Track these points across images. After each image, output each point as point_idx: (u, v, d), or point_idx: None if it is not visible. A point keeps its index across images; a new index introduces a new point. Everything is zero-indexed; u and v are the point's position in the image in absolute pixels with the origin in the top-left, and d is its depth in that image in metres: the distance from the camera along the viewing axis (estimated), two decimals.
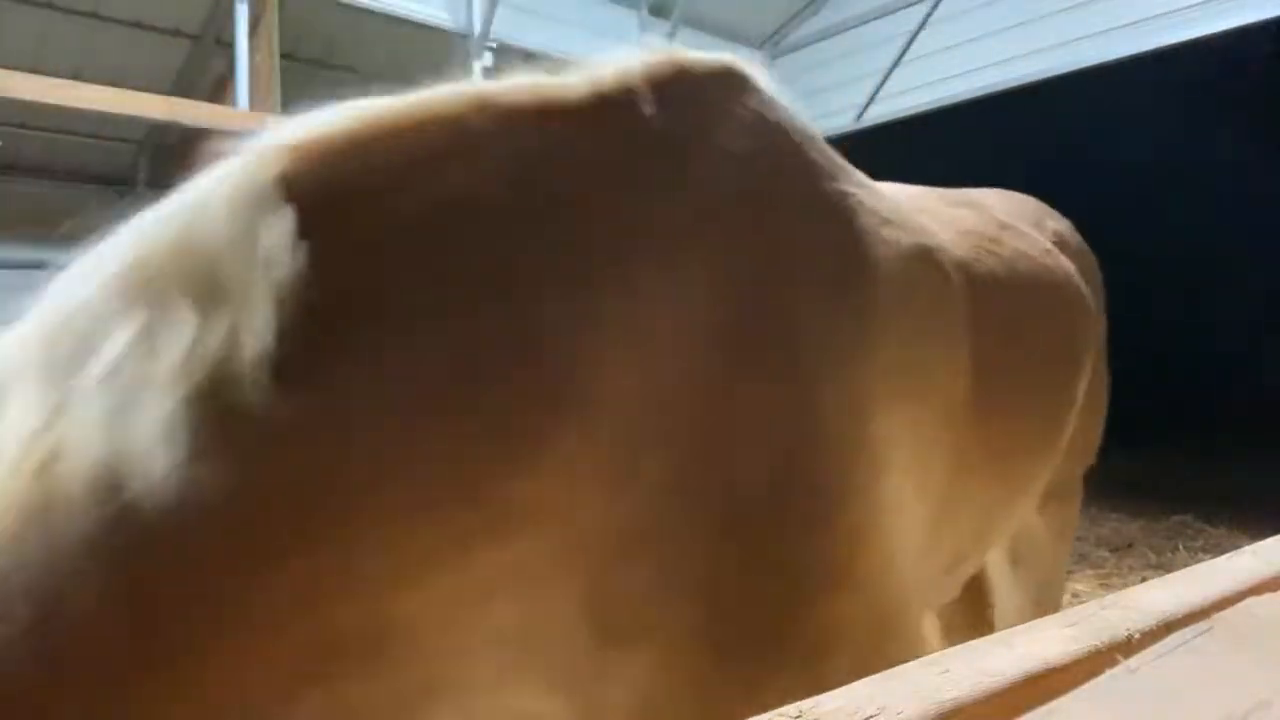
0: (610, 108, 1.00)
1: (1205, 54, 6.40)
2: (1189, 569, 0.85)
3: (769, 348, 1.02)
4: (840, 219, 1.19)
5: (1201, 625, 0.68)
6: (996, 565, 2.25)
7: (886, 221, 1.27)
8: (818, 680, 0.86)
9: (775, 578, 0.97)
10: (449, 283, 0.81)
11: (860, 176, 1.38)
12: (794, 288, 1.07)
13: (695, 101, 1.10)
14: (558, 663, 0.88)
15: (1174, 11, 6.56)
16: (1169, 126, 6.97)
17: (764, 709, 0.78)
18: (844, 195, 1.22)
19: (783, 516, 0.99)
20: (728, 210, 1.04)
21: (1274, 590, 0.78)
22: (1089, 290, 2.11)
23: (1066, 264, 2.00)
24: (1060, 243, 2.13)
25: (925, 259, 1.33)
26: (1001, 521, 1.81)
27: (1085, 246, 2.33)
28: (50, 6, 6.59)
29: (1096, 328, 2.17)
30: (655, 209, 0.97)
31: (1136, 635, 0.64)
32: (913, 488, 1.23)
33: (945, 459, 1.34)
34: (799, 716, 0.48)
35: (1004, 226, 1.80)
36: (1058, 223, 2.25)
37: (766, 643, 0.96)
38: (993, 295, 1.53)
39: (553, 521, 0.84)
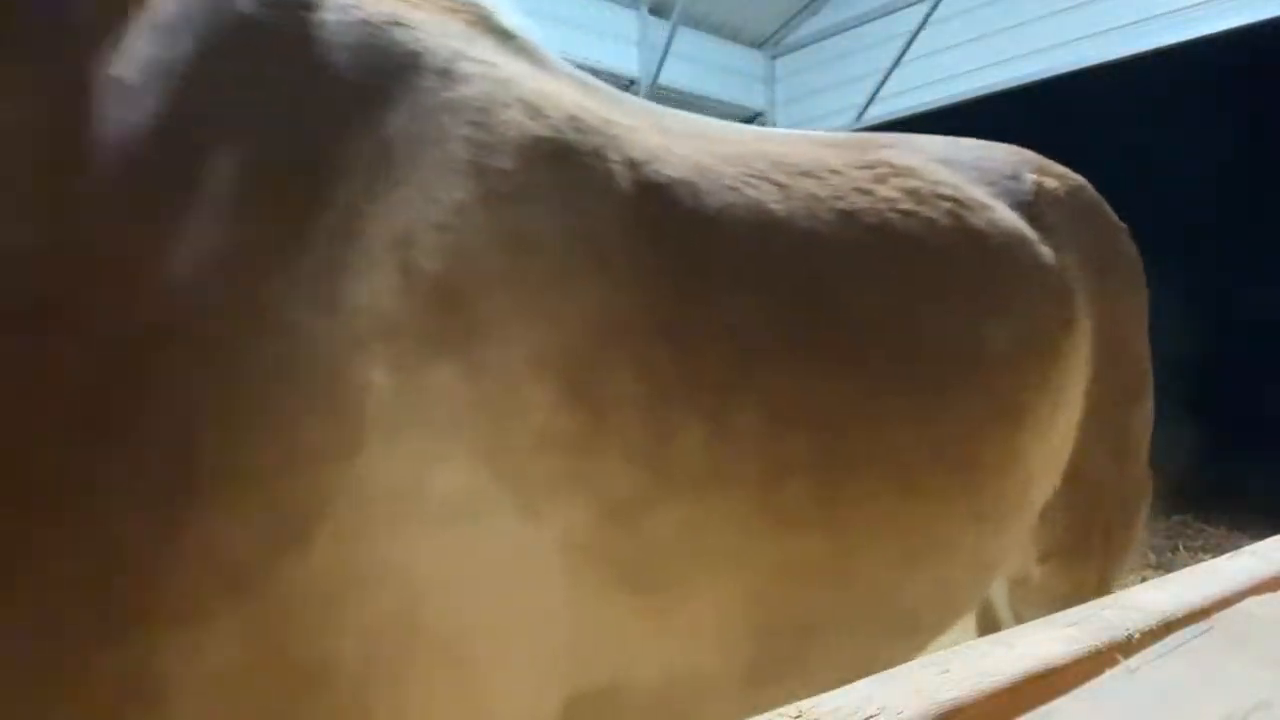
0: None
1: (1205, 54, 6.41)
2: (1189, 569, 0.85)
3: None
4: (388, 78, 0.86)
5: (1201, 625, 0.68)
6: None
7: (516, 104, 0.93)
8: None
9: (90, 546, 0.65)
10: None
11: (535, 66, 1.08)
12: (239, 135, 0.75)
13: None
14: None
15: (1174, 11, 6.57)
16: (1169, 126, 6.97)
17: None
18: (457, 57, 0.92)
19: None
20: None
21: (1274, 590, 0.78)
22: (1087, 266, 1.59)
23: (1006, 227, 1.46)
24: (1046, 199, 1.62)
25: (562, 156, 0.95)
26: (876, 592, 1.18)
27: (1098, 212, 1.81)
28: None
29: (1100, 319, 1.60)
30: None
31: (1136, 635, 0.64)
32: (499, 478, 0.81)
33: (622, 451, 0.89)
34: (799, 716, 0.49)
35: (872, 167, 1.35)
36: (1054, 179, 1.73)
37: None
38: (736, 234, 1.07)
39: None
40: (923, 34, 7.66)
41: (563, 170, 0.94)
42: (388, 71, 0.85)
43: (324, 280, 0.74)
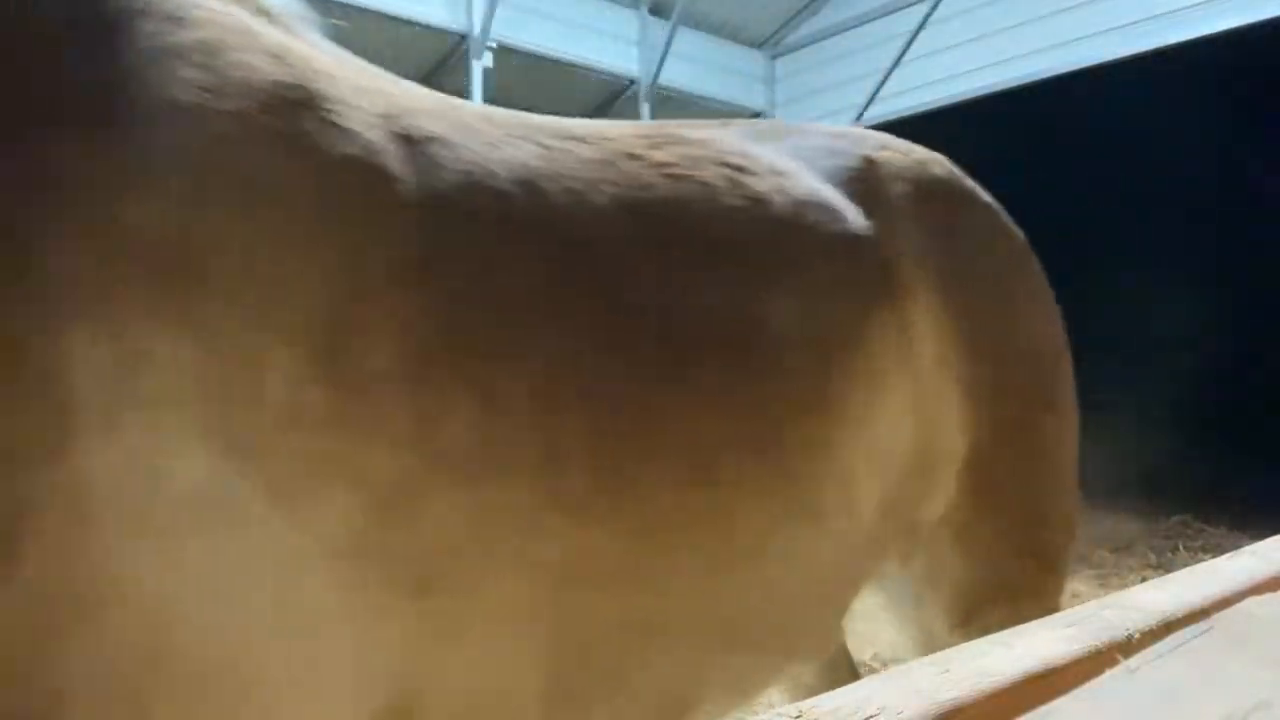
0: None
1: (1205, 54, 6.41)
2: (1189, 569, 0.85)
3: None
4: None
5: (1201, 625, 0.68)
6: None
7: (255, 50, 0.84)
8: None
9: None
10: None
11: (285, 29, 0.96)
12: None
13: None
14: None
15: (1174, 11, 6.57)
16: (1169, 127, 6.98)
17: None
18: (191, 5, 0.83)
19: None
20: None
21: (1274, 590, 0.78)
22: (932, 245, 1.41)
23: (800, 194, 1.30)
24: (878, 175, 1.44)
25: (303, 103, 0.84)
26: (693, 597, 1.05)
27: (953, 190, 1.56)
28: None
29: (958, 304, 1.41)
30: None
31: (1136, 635, 0.64)
32: (244, 467, 0.70)
33: (384, 429, 0.79)
34: (799, 716, 0.49)
35: (652, 136, 1.24)
36: (895, 154, 1.53)
37: None
38: (494, 190, 0.96)
39: None
40: (923, 34, 7.66)
41: (304, 117, 0.83)
42: (108, 16, 0.76)
43: (14, 247, 0.63)
